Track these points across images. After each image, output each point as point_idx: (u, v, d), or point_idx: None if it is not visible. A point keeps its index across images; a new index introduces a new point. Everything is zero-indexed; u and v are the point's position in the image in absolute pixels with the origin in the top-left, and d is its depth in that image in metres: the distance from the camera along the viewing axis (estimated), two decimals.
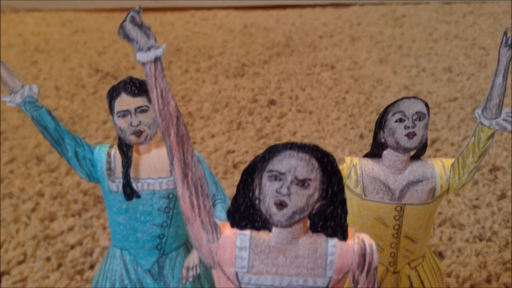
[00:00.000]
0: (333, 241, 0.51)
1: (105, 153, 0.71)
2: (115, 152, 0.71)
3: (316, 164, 0.49)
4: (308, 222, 0.51)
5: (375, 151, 0.70)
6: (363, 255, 0.51)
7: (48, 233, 1.18)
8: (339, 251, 0.50)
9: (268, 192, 0.48)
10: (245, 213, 0.50)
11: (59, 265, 1.09)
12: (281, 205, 0.47)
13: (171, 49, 2.40)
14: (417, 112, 0.66)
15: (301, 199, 0.48)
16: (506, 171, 1.42)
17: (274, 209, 0.48)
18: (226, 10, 3.04)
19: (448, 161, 0.70)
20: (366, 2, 3.03)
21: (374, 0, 3.03)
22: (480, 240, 1.18)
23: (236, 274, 0.49)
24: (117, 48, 2.44)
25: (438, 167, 0.69)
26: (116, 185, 0.70)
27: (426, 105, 0.69)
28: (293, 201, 0.48)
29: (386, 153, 0.68)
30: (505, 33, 0.65)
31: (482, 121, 0.67)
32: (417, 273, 0.71)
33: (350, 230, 0.52)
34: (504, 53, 0.65)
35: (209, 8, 3.09)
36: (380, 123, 0.68)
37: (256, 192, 0.49)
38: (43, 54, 2.37)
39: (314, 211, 0.50)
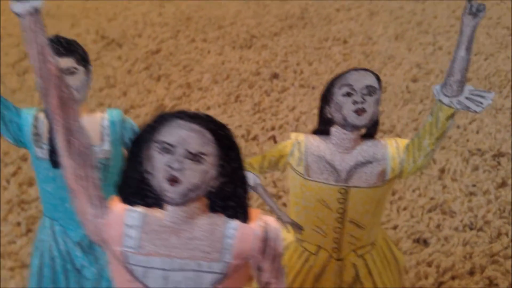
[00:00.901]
0: (234, 223, 0.45)
1: (32, 117, 0.67)
2: (44, 117, 0.67)
3: (210, 137, 0.44)
4: (206, 202, 0.46)
5: (322, 128, 0.63)
6: (265, 239, 0.45)
7: (23, 198, 1.17)
8: (239, 234, 0.45)
9: (158, 165, 0.43)
10: (136, 188, 0.45)
11: (28, 231, 1.08)
12: (173, 180, 0.43)
13: (181, 18, 2.35)
14: (367, 86, 0.60)
15: (196, 175, 0.43)
16: (510, 158, 1.33)
17: (166, 185, 0.43)
18: None
19: (403, 142, 0.63)
20: None
21: None
22: (471, 229, 1.11)
23: (123, 253, 0.45)
24: (127, 15, 2.40)
25: (391, 148, 0.62)
26: (43, 152, 0.66)
27: (378, 78, 0.62)
28: (187, 177, 0.43)
29: (334, 130, 0.62)
30: None
31: (441, 98, 0.59)
32: (364, 261, 0.65)
33: (256, 212, 0.47)
34: (467, 22, 0.57)
35: None
36: (326, 97, 0.61)
37: (146, 165, 0.44)
38: (53, 20, 2.35)
39: (212, 189, 0.45)
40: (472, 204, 1.17)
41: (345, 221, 0.63)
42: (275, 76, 1.81)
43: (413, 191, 1.23)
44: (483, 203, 1.17)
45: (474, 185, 1.23)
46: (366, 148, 0.62)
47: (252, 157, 0.66)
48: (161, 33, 2.18)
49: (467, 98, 0.58)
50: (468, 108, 0.59)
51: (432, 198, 1.19)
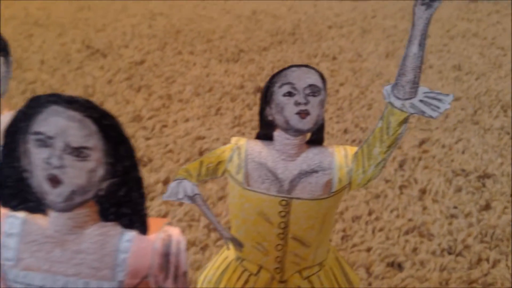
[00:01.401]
0: (129, 235, 0.39)
1: None
2: None
3: (94, 127, 0.37)
4: (97, 208, 0.39)
5: (264, 132, 0.57)
6: (166, 254, 0.39)
7: None
8: (134, 248, 0.38)
9: (36, 162, 0.37)
10: (14, 189, 0.38)
11: None
12: (53, 180, 0.36)
13: (171, 31, 2.31)
14: (310, 86, 0.54)
15: (80, 174, 0.36)
16: (497, 179, 1.27)
17: (46, 186, 0.36)
18: None
19: (353, 150, 0.57)
20: None
21: None
22: (449, 253, 1.04)
23: (2, 266, 0.38)
24: (117, 26, 2.37)
25: (339, 156, 0.56)
26: None
27: (322, 77, 0.56)
28: (69, 177, 0.36)
29: (276, 134, 0.56)
30: None
31: (392, 101, 0.52)
32: (310, 285, 0.58)
33: (159, 222, 0.40)
34: (420, 13, 0.50)
35: None
36: (266, 96, 0.55)
37: (24, 162, 0.38)
38: (41, 28, 2.32)
39: (102, 193, 0.38)
40: (452, 227, 1.10)
41: (287, 237, 0.56)
42: (259, 90, 1.75)
43: (391, 211, 1.16)
44: (464, 227, 1.10)
45: (455, 207, 1.17)
46: (312, 156, 0.55)
47: (188, 164, 0.60)
48: (148, 44, 2.14)
49: (421, 101, 0.52)
50: (423, 112, 0.52)
51: (410, 220, 1.13)
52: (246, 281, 0.58)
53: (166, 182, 1.27)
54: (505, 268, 1.00)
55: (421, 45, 0.51)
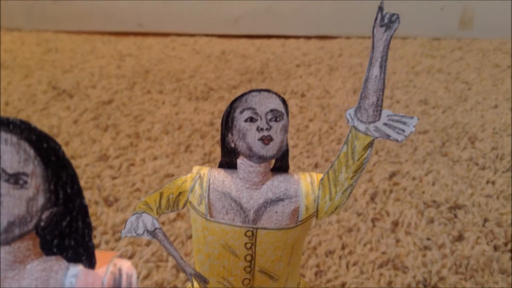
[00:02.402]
0: (75, 269, 0.35)
1: None
2: None
3: (31, 152, 0.34)
4: (39, 241, 0.36)
5: (227, 160, 0.55)
6: None
7: None
8: (81, 284, 0.35)
9: None
10: None
11: None
12: None
13: (140, 71, 2.30)
14: (271, 111, 0.52)
15: (17, 203, 0.33)
16: (468, 210, 1.26)
17: None
18: (209, 37, 2.96)
19: (319, 176, 0.55)
20: (352, 35, 2.94)
21: (360, 34, 2.94)
22: (424, 286, 1.01)
23: None
24: (85, 67, 2.35)
25: (305, 183, 0.54)
26: None
27: (284, 102, 0.55)
28: (6, 207, 0.33)
29: (240, 162, 0.54)
30: (380, 8, 0.50)
31: (356, 125, 0.52)
32: None
33: (107, 255, 0.37)
34: (379, 36, 0.50)
35: (192, 35, 3.01)
36: (227, 123, 0.53)
37: None
38: (6, 71, 2.28)
39: (43, 223, 0.35)
40: (426, 259, 1.08)
41: (254, 271, 0.53)
42: None
43: (365, 245, 1.14)
44: (438, 258, 1.08)
45: (428, 239, 1.15)
46: (277, 184, 0.53)
47: (147, 196, 0.57)
48: (116, 84, 2.12)
49: (385, 124, 0.51)
50: (388, 136, 0.51)
51: (384, 253, 1.11)
52: None
53: None
54: None
55: (382, 67, 0.50)
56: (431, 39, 2.83)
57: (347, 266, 1.07)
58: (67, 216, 0.35)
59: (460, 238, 1.17)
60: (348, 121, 0.52)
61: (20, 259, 0.35)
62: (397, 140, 0.52)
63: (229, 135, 0.53)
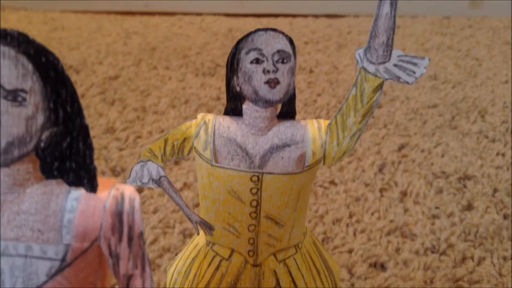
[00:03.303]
0: (76, 193, 0.34)
1: None
2: None
3: (30, 67, 0.33)
4: (39, 163, 0.35)
5: (233, 106, 0.54)
6: (118, 214, 0.34)
7: None
8: (82, 207, 0.34)
9: None
10: None
11: None
12: None
13: (146, 48, 2.29)
14: (278, 51, 0.51)
15: (17, 122, 0.32)
16: (478, 180, 1.25)
17: None
18: (216, 16, 2.94)
19: (326, 123, 0.54)
20: (361, 13, 2.90)
21: (369, 13, 2.90)
22: (432, 252, 1.00)
23: None
24: (91, 45, 2.34)
25: (312, 129, 0.53)
26: None
27: (291, 42, 0.53)
28: (5, 125, 0.31)
29: (245, 107, 0.52)
30: None
31: (365, 66, 0.50)
32: (286, 268, 0.54)
33: (109, 181, 0.36)
34: None
35: (199, 14, 2.99)
36: (232, 65, 0.52)
37: None
38: None
39: (43, 145, 0.33)
40: (435, 227, 1.07)
41: (260, 216, 0.52)
42: None
43: (372, 214, 1.13)
44: (447, 226, 1.07)
45: (437, 208, 1.14)
46: (284, 130, 0.52)
47: (152, 142, 0.56)
48: (122, 61, 2.11)
49: (395, 65, 0.49)
50: (398, 78, 0.50)
51: (391, 221, 1.10)
52: (218, 267, 0.54)
53: (139, 191, 1.22)
54: (491, 266, 0.97)
55: (393, 4, 0.48)
56: (441, 17, 2.79)
57: (354, 234, 1.06)
58: (67, 136, 0.34)
59: (469, 207, 1.15)
60: (358, 62, 0.51)
61: (20, 182, 0.34)
62: (407, 82, 0.50)
63: (234, 78, 0.51)
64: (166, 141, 0.55)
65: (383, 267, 0.97)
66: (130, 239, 0.35)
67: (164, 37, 2.50)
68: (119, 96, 1.75)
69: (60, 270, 0.33)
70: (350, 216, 1.12)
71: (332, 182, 1.25)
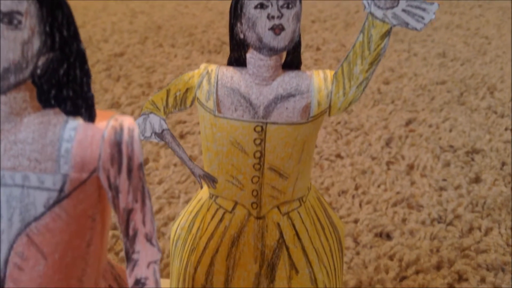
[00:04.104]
0: (75, 123, 0.33)
1: None
2: None
3: None
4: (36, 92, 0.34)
5: (236, 55, 0.52)
6: (117, 143, 0.33)
7: None
8: (80, 136, 0.33)
9: None
10: None
11: None
12: None
13: (152, 26, 2.27)
14: None
15: (12, 46, 0.30)
16: (486, 154, 1.23)
17: None
18: None
19: (332, 73, 0.52)
20: None
21: None
22: (439, 222, 0.99)
23: None
24: (97, 23, 2.32)
25: (318, 78, 0.51)
26: None
27: None
28: (1, 50, 0.30)
29: (249, 56, 0.51)
30: None
31: (373, 11, 0.48)
32: (290, 221, 0.53)
33: (108, 112, 0.35)
34: None
35: None
36: (236, 10, 0.50)
37: None
38: None
39: (39, 71, 0.32)
40: (442, 198, 1.06)
41: (264, 168, 0.51)
42: None
43: (378, 186, 1.12)
44: (454, 197, 1.06)
45: (444, 180, 1.13)
46: (288, 79, 0.51)
47: (154, 94, 0.55)
48: (128, 39, 2.10)
49: (404, 11, 0.48)
50: (406, 24, 0.48)
51: (398, 193, 1.09)
52: (221, 219, 0.53)
53: (144, 162, 1.22)
54: (498, 236, 0.96)
55: None
56: None
57: (360, 205, 1.06)
58: (64, 62, 0.33)
59: (477, 180, 1.14)
60: (365, 7, 0.49)
61: (17, 111, 0.33)
62: (415, 29, 0.49)
63: (238, 24, 0.50)
64: (168, 92, 0.54)
65: (388, 236, 0.96)
66: (129, 171, 0.34)
67: (170, 16, 2.48)
68: (125, 72, 1.75)
69: (58, 201, 0.33)
70: (356, 188, 1.11)
71: (338, 156, 1.24)
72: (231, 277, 0.53)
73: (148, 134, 0.54)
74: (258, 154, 0.51)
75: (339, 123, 1.40)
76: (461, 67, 1.78)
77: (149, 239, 0.36)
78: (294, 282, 0.53)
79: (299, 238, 0.53)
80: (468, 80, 1.66)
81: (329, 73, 0.52)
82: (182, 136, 1.34)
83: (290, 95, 0.50)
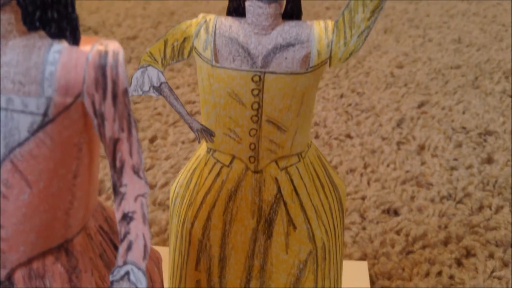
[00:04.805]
0: (59, 46, 0.33)
1: None
2: None
3: None
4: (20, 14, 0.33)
5: (235, 4, 0.51)
6: (102, 67, 0.32)
7: None
8: (64, 59, 0.32)
9: None
10: None
11: None
12: None
13: (165, 12, 2.28)
14: None
15: None
16: (499, 136, 1.21)
17: None
18: None
19: (333, 23, 0.51)
20: None
21: None
22: (448, 200, 0.97)
23: None
24: (110, 9, 2.33)
25: (318, 28, 0.50)
26: None
27: None
28: None
29: (248, 4, 0.50)
30: None
31: None
32: (288, 176, 0.52)
33: (93, 37, 0.34)
34: None
35: None
36: None
37: None
38: None
39: None
40: (452, 177, 1.04)
41: (261, 120, 0.50)
42: None
43: (388, 165, 1.10)
44: (465, 176, 1.04)
45: (455, 159, 1.11)
46: (288, 29, 0.50)
47: (151, 45, 0.55)
48: (141, 23, 2.10)
49: None
50: None
51: (407, 172, 1.07)
52: (218, 174, 0.53)
53: (152, 140, 1.22)
54: (509, 214, 0.93)
55: None
56: None
57: (368, 183, 1.04)
58: None
59: (489, 161, 1.12)
60: None
61: (3, 34, 0.32)
62: None
63: None
64: (166, 42, 0.53)
65: (396, 213, 0.95)
66: (114, 96, 0.33)
67: (183, 3, 2.48)
68: (136, 54, 1.75)
69: (42, 126, 0.32)
70: (365, 167, 1.10)
71: (348, 136, 1.23)
72: (228, 232, 0.52)
73: (146, 88, 0.53)
74: (256, 106, 0.50)
75: (350, 105, 1.39)
76: (477, 53, 1.74)
77: (136, 171, 0.35)
78: (292, 238, 0.52)
79: (297, 194, 0.52)
80: (483, 65, 1.63)
81: (330, 23, 0.51)
82: (191, 115, 1.34)
83: (289, 45, 0.49)
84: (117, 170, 0.35)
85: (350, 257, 0.83)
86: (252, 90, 0.49)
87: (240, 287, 0.53)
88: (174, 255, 0.57)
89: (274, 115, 0.50)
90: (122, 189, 0.35)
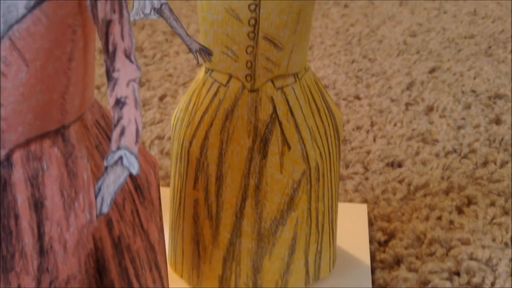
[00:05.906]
0: None
1: None
2: None
3: None
4: None
5: None
6: None
7: None
8: None
9: None
10: None
11: None
12: None
13: None
14: None
15: None
16: (509, 99, 1.20)
17: None
18: None
19: None
20: None
21: None
22: (453, 154, 0.98)
23: None
24: None
25: None
26: None
27: None
28: None
29: None
30: None
31: None
32: (284, 96, 0.53)
33: None
34: None
35: None
36: None
37: None
38: None
39: None
40: (459, 134, 1.04)
41: (258, 37, 0.51)
42: None
43: (395, 124, 1.10)
44: (471, 134, 1.04)
45: (463, 119, 1.10)
46: None
47: None
48: None
49: None
50: None
51: (414, 130, 1.07)
52: (216, 93, 0.54)
53: (162, 98, 1.24)
54: None
55: None
56: None
57: (374, 139, 1.05)
58: None
59: (497, 121, 1.11)
60: None
61: None
62: None
63: None
64: None
65: (400, 166, 0.95)
66: None
67: None
68: (149, 22, 1.77)
69: (38, 2, 0.34)
70: (372, 125, 1.10)
71: (357, 97, 1.23)
72: (224, 151, 0.54)
73: (147, 11, 0.55)
74: (252, 21, 0.51)
75: (360, 70, 1.39)
76: (492, 24, 1.73)
77: (128, 55, 0.36)
78: (286, 157, 0.53)
79: (292, 114, 0.53)
80: (497, 35, 1.61)
81: None
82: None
83: None
84: (109, 55, 0.36)
85: (350, 202, 0.84)
86: (249, 5, 0.50)
87: (236, 205, 0.54)
88: (174, 179, 0.59)
89: (270, 32, 0.51)
90: (115, 74, 0.36)
